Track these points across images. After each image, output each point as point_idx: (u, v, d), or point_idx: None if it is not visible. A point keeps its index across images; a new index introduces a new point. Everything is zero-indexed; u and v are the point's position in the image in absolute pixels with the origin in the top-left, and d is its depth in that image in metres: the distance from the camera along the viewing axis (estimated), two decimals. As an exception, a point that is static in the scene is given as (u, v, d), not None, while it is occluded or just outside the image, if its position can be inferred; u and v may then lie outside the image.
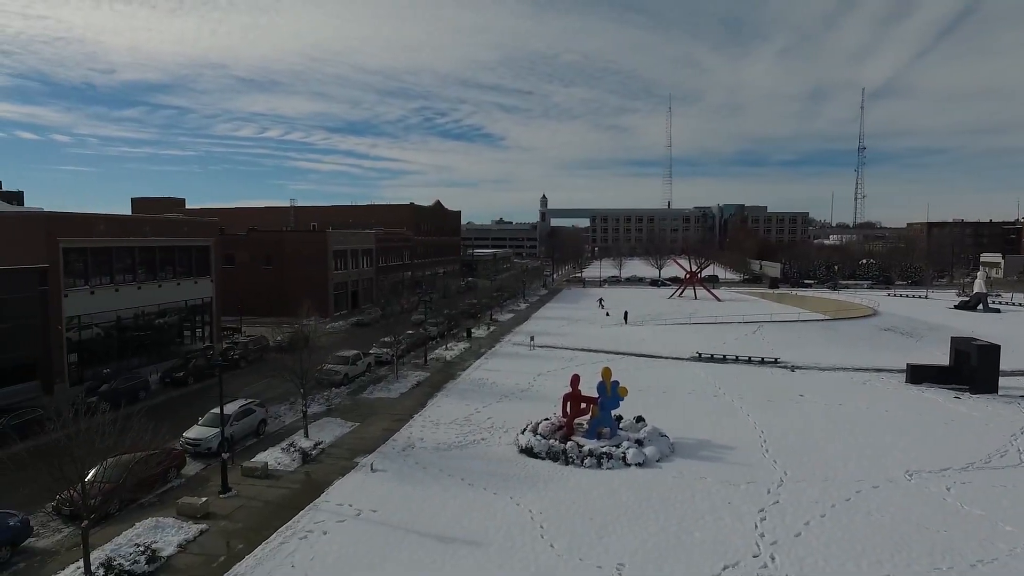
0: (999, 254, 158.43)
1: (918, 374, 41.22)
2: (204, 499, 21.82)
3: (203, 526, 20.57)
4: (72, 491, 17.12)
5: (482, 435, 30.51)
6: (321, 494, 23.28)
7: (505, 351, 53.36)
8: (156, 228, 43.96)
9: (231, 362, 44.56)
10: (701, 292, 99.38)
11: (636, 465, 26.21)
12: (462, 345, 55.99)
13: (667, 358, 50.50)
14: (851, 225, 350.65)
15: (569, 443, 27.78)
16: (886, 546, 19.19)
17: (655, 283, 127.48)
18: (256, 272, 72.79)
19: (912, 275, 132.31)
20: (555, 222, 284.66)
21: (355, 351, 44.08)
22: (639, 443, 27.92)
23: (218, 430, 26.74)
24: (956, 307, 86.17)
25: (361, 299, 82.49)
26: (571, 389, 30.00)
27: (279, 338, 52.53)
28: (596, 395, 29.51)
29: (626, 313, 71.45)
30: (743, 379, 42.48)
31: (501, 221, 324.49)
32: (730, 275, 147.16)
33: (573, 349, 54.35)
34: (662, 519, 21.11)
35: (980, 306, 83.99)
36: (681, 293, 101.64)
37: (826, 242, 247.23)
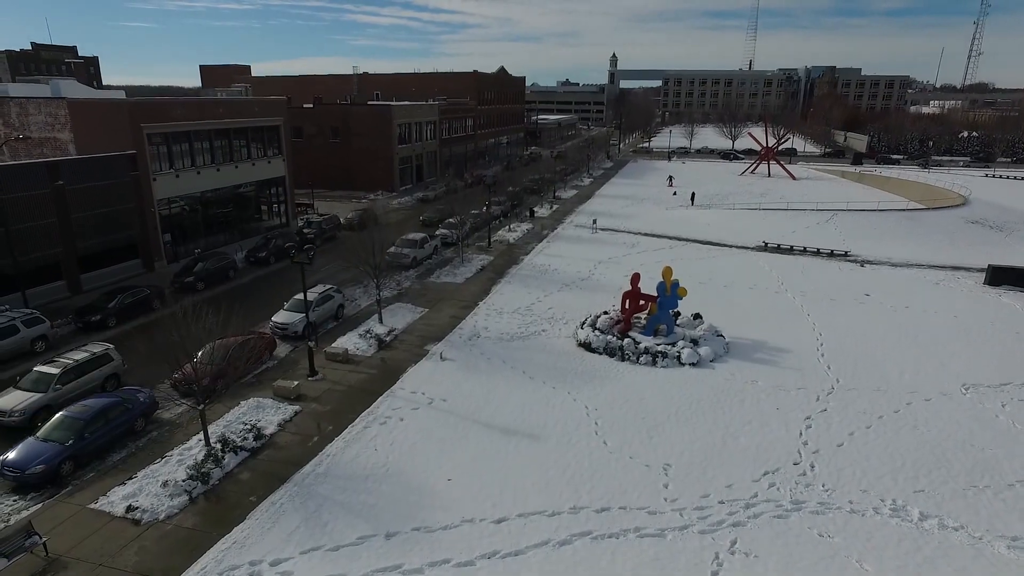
0: None
1: (999, 276, 39.53)
2: (296, 383, 24.61)
3: (297, 407, 23.45)
4: (183, 371, 19.63)
5: (543, 326, 32.12)
6: (396, 381, 25.75)
7: (567, 234, 53.87)
8: (229, 110, 44.96)
9: (307, 241, 47.08)
10: (776, 169, 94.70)
11: (690, 365, 27.37)
12: (525, 226, 56.74)
13: (732, 247, 49.92)
14: (958, 87, 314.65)
15: (626, 339, 29.04)
16: (926, 461, 20.07)
17: (727, 156, 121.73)
18: (324, 145, 74.06)
19: (1018, 152, 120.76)
20: (624, 84, 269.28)
21: (422, 234, 45.65)
22: (694, 342, 28.90)
23: (303, 315, 29.24)
24: (1060, 192, 79.30)
25: (425, 172, 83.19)
26: (631, 287, 30.69)
27: (350, 215, 54.98)
28: (655, 294, 30.17)
29: (693, 194, 69.62)
30: (808, 274, 41.93)
31: (567, 82, 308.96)
32: (810, 148, 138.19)
33: (636, 233, 54.27)
34: (710, 422, 22.51)
35: (1089, 192, 77.03)
36: (754, 170, 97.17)
37: (924, 110, 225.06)
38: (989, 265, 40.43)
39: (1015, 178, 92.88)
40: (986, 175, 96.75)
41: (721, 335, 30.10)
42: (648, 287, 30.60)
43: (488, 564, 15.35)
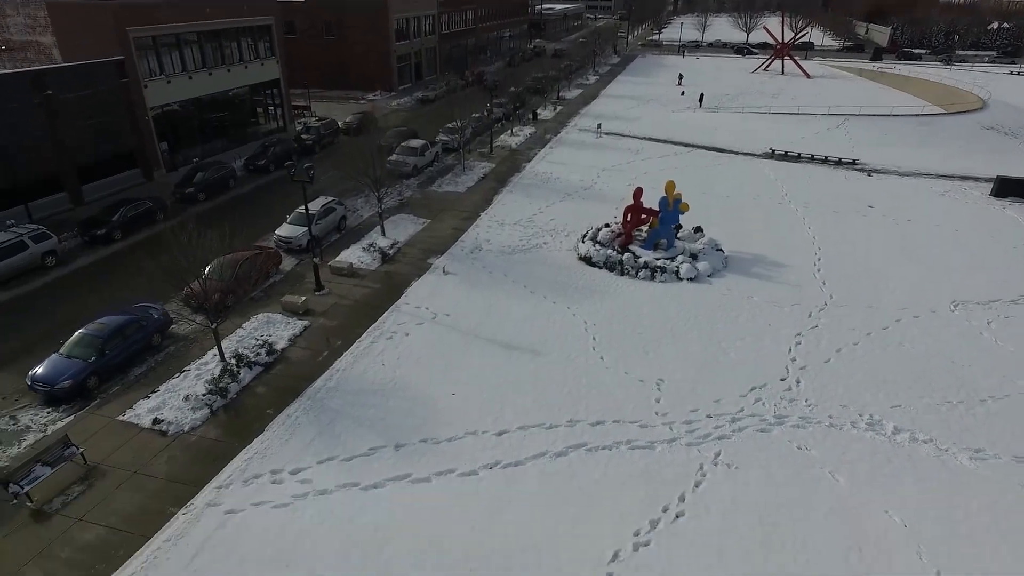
0: None
1: (1006, 187, 39.21)
2: (303, 298, 25.34)
3: (305, 322, 24.32)
4: (192, 287, 20.11)
5: (544, 239, 32.42)
6: (401, 296, 26.46)
7: (571, 139, 52.83)
8: (217, 9, 42.72)
9: (305, 148, 46.45)
10: (790, 66, 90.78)
11: (688, 280, 27.95)
12: (528, 130, 55.52)
13: (738, 154, 49.12)
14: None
15: (626, 254, 29.45)
16: (907, 378, 21.08)
17: (740, 51, 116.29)
18: (318, 43, 70.75)
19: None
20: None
21: (423, 141, 44.80)
22: (693, 257, 29.31)
23: (306, 229, 29.52)
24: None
25: (424, 70, 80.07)
26: (633, 200, 30.67)
27: (348, 119, 53.71)
28: (657, 208, 30.20)
29: (701, 96, 67.37)
30: (814, 184, 41.58)
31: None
32: (828, 42, 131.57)
33: (641, 139, 53.19)
34: (704, 338, 23.39)
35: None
36: (767, 66, 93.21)
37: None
38: (997, 176, 39.96)
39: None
40: (1011, 72, 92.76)
41: (720, 249, 30.46)
42: (651, 200, 30.57)
43: (490, 474, 16.67)
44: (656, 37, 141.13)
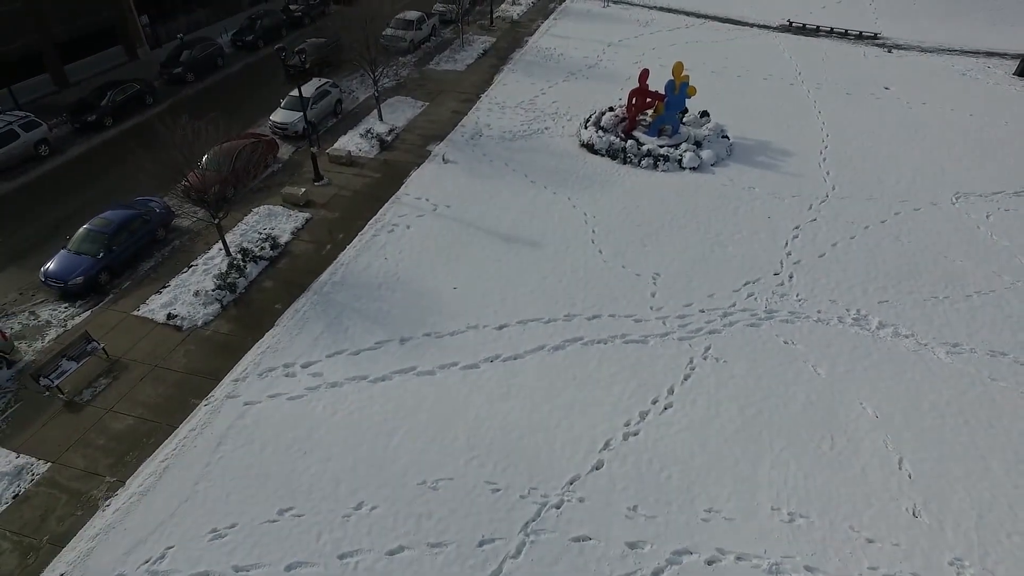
0: None
1: (1030, 65, 37.35)
2: (303, 189, 25.24)
3: (307, 215, 24.44)
4: (190, 181, 20.09)
5: (546, 123, 31.57)
6: (401, 186, 26.32)
7: (576, 8, 49.53)
8: None
9: (295, 21, 43.79)
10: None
11: (691, 169, 27.61)
12: (530, -2, 51.88)
13: (753, 26, 46.27)
14: None
15: (629, 141, 28.84)
16: (898, 272, 21.54)
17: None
18: None
19: None
20: None
21: (419, 13, 42.06)
22: (698, 144, 28.74)
23: (301, 114, 28.70)
24: None
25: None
26: (639, 83, 29.47)
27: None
28: (663, 92, 29.13)
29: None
30: (830, 61, 39.59)
31: None
32: None
33: (651, 8, 49.85)
34: (702, 231, 23.59)
35: None
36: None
37: None
38: (1022, 56, 37.90)
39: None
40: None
41: (726, 136, 29.76)
42: (657, 82, 29.40)
43: (490, 367, 17.66)
44: None
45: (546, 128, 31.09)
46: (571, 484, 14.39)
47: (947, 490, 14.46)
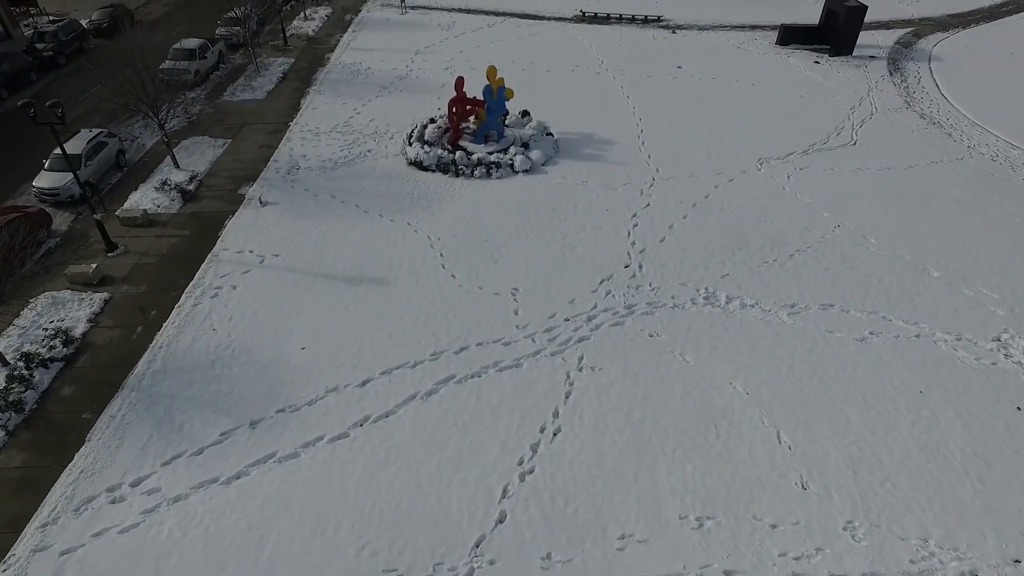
0: None
1: (788, 35, 42.21)
2: (94, 265, 21.26)
3: (105, 294, 20.60)
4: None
5: (367, 145, 29.74)
6: (216, 240, 23.19)
7: (374, 18, 47.66)
8: None
9: (46, 62, 37.34)
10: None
11: (523, 172, 27.41)
12: (323, 11, 49.06)
13: (550, 19, 47.61)
14: None
15: (458, 152, 28.00)
16: (730, 244, 22.92)
17: None
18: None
19: None
20: None
21: (200, 40, 37.74)
22: (525, 146, 28.65)
23: (71, 175, 24.22)
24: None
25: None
26: (456, 92, 28.68)
27: (94, 16, 43.72)
28: (482, 98, 28.62)
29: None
30: (626, 47, 41.74)
31: None
32: None
33: (450, 10, 49.39)
34: (548, 235, 23.41)
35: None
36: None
37: None
38: (781, 25, 42.77)
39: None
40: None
41: (551, 133, 30.02)
42: (474, 87, 28.83)
43: (361, 432, 15.90)
44: None
45: (368, 150, 29.26)
46: (478, 547, 13.23)
47: (822, 453, 15.41)
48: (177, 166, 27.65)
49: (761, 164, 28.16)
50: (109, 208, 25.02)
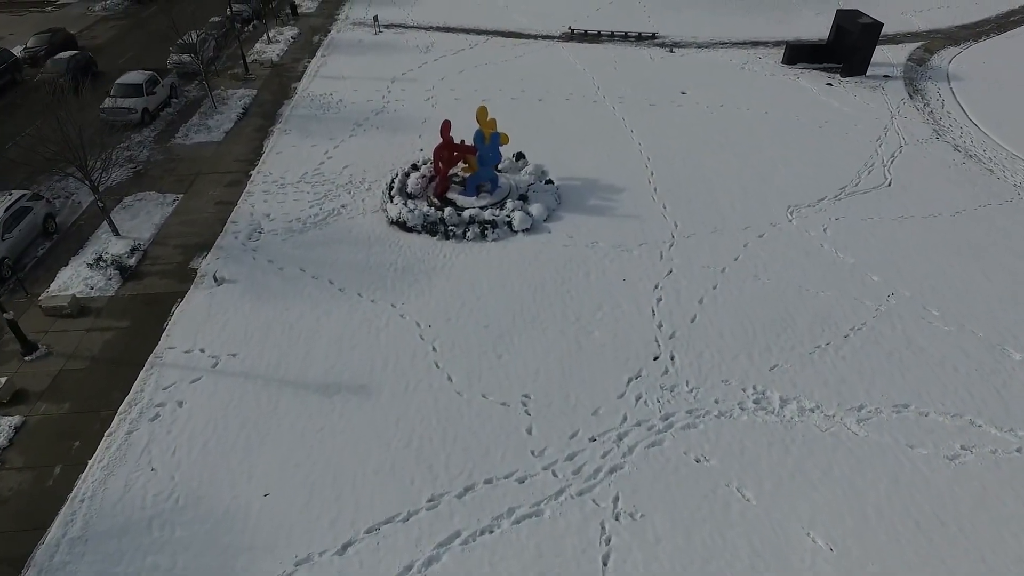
0: None
1: (795, 53, 39.12)
2: (4, 379, 17.18)
3: (16, 420, 16.55)
4: None
5: (341, 198, 25.89)
6: (161, 337, 19.20)
7: (345, 39, 43.64)
8: None
9: (-31, 102, 32.86)
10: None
11: (523, 232, 23.79)
12: (289, 32, 44.95)
13: (536, 37, 44.00)
14: None
15: (447, 209, 24.28)
16: (773, 322, 19.54)
17: None
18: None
19: None
20: None
21: (148, 73, 33.44)
22: (523, 199, 25.03)
23: (-16, 255, 20.18)
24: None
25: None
26: (442, 137, 24.98)
27: (30, 44, 39.22)
28: (472, 144, 24.99)
29: (483, -37, 59.38)
30: (622, 70, 38.29)
31: None
32: None
33: (427, 29, 45.59)
34: (559, 316, 19.82)
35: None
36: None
37: None
38: (786, 44, 39.69)
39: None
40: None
41: (551, 180, 26.42)
42: (460, 123, 25.30)
43: (344, 637, 12.16)
44: None
45: (343, 206, 25.41)
46: None
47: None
48: (117, 233, 23.57)
49: (792, 213, 24.86)
50: (31, 291, 20.90)
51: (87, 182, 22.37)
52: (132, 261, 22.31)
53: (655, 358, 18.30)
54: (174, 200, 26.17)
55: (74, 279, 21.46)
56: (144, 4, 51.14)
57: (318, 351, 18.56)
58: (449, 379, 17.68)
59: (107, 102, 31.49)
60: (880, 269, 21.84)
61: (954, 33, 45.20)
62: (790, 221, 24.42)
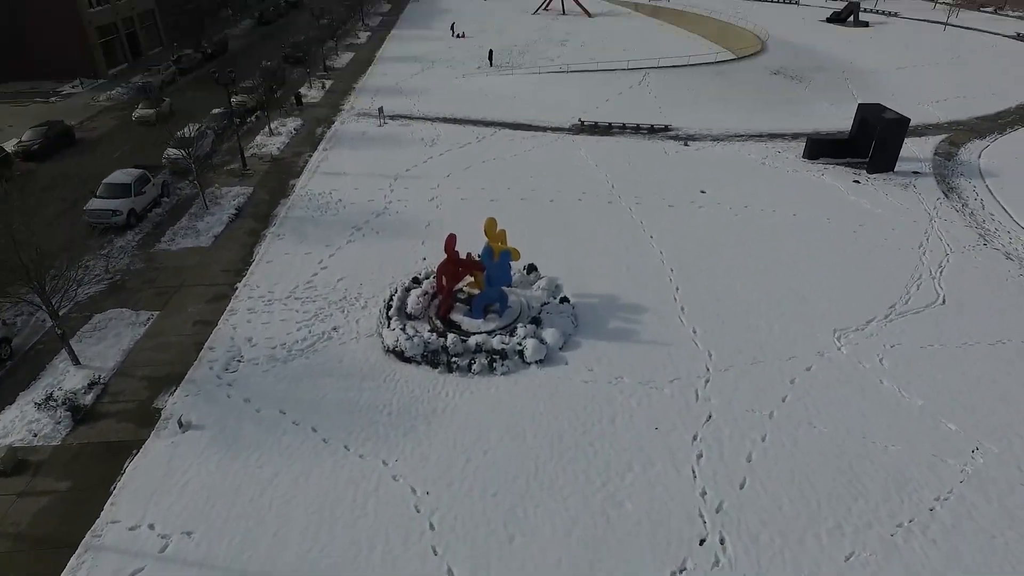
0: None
1: (816, 148, 37.49)
2: (-100, 575, 13.95)
3: (-95, 635, 13.20)
4: None
5: (333, 319, 23.22)
6: (106, 501, 16.06)
7: (349, 131, 42.43)
8: None
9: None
10: (569, 4, 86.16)
11: (536, 363, 20.90)
12: (292, 123, 43.86)
13: (546, 129, 42.72)
14: None
15: (450, 336, 21.52)
16: (839, 489, 16.30)
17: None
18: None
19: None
20: None
21: (138, 171, 31.59)
22: (536, 323, 22.27)
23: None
24: (828, 20, 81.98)
25: (144, 43, 62.16)
26: (446, 252, 22.54)
27: (25, 138, 37.92)
28: (479, 258, 22.62)
29: (491, 53, 59.57)
30: (636, 166, 36.53)
31: None
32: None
33: (433, 120, 44.48)
34: (582, 480, 16.62)
35: (851, 18, 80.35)
36: (547, 6, 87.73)
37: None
38: (807, 138, 38.09)
39: (787, 1, 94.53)
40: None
41: (566, 298, 23.77)
42: (467, 234, 22.95)
43: None
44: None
45: (334, 328, 22.70)
46: None
47: None
48: (76, 362, 20.79)
49: (840, 339, 21.99)
50: (-35, 442, 17.89)
51: (47, 308, 19.75)
52: (88, 399, 19.39)
53: (701, 542, 14.98)
54: (148, 319, 23.53)
55: (17, 423, 18.51)
56: (149, 92, 50.79)
57: (292, 528, 15.32)
58: (450, 572, 14.34)
59: (92, 203, 29.56)
60: (955, 414, 18.72)
61: (976, 125, 43.83)
62: (839, 349, 21.51)
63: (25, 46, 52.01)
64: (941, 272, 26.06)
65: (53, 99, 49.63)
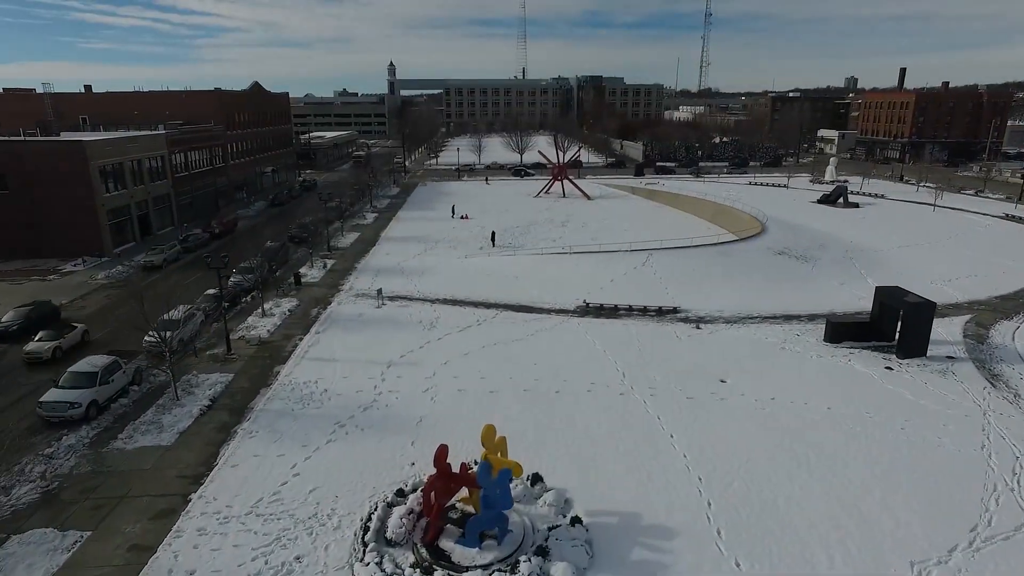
0: (834, 131, 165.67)
1: (838, 332, 35.23)
2: None
3: None
4: None
5: (297, 543, 19.17)
6: None
7: (345, 313, 40.78)
8: None
9: None
10: (569, 187, 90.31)
11: (544, 614, 16.56)
12: (287, 304, 42.36)
13: (549, 311, 40.98)
14: (695, 92, 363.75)
15: (438, 573, 17.35)
16: None
17: (518, 172, 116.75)
18: (-14, 199, 51.83)
19: (765, 156, 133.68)
20: (405, 93, 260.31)
21: (109, 358, 29.23)
22: (542, 555, 18.18)
23: None
24: (819, 201, 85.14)
25: (155, 222, 63.64)
26: (436, 464, 19.12)
27: (6, 317, 36.17)
28: (473, 474, 19.09)
29: (493, 234, 60.38)
30: (647, 352, 34.04)
31: (344, 92, 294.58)
32: (593, 158, 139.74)
33: (433, 301, 43.03)
34: None
35: (841, 200, 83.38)
36: (548, 190, 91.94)
37: (678, 114, 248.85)
38: (827, 321, 36.05)
39: (776, 185, 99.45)
40: (750, 182, 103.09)
41: (578, 519, 19.83)
42: (464, 438, 19.44)
43: None
44: (433, 161, 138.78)
45: (297, 559, 18.58)
46: None
47: None
48: (-34, 612, 16.48)
49: (917, 572, 17.69)
50: None
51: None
52: (-39, 672, 14.91)
53: None
54: (75, 542, 19.50)
55: None
56: (154, 270, 50.55)
57: None
58: None
59: (49, 394, 26.74)
60: None
61: (998, 305, 42.17)
62: (924, 593, 17.17)
63: (36, 224, 52.81)
64: (1019, 482, 22.24)
65: (51, 277, 49.06)
